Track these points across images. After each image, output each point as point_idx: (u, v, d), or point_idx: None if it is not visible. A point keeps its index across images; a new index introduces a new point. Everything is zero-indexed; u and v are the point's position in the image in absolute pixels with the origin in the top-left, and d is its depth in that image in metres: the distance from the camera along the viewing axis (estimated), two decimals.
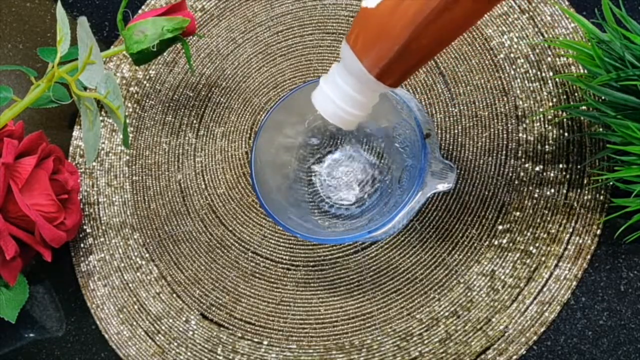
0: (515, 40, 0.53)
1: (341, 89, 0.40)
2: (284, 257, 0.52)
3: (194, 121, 0.57)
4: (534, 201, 0.48)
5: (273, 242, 0.52)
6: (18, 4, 0.65)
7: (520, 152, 0.50)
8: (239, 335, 0.50)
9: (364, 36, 0.38)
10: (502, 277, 0.47)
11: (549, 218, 0.48)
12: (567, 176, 0.49)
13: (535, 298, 0.46)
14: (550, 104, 0.50)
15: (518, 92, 0.51)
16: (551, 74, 0.51)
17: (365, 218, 0.48)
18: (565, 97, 0.50)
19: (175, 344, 0.51)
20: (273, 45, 0.57)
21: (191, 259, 0.53)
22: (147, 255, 0.54)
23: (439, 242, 0.49)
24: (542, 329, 0.46)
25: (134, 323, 0.52)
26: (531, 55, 0.52)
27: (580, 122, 0.49)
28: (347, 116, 0.41)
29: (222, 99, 0.57)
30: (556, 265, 0.47)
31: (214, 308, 0.51)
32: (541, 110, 0.50)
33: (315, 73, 0.56)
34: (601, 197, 0.48)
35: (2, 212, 0.48)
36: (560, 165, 0.49)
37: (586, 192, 0.48)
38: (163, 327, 0.52)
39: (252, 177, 0.46)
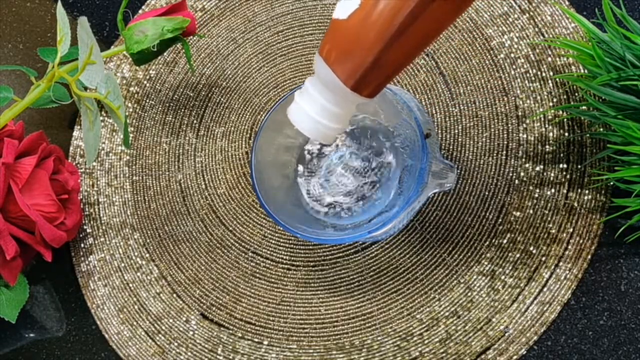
0: (516, 40, 0.53)
1: (317, 102, 0.39)
2: (284, 257, 0.52)
3: (194, 121, 0.57)
4: (534, 201, 0.48)
5: (273, 242, 0.52)
6: (18, 4, 0.65)
7: (520, 152, 0.50)
8: (239, 335, 0.50)
9: (337, 48, 0.37)
10: (503, 277, 0.47)
11: (549, 218, 0.48)
12: (568, 176, 0.49)
13: (535, 298, 0.46)
14: (551, 104, 0.50)
15: (518, 92, 0.51)
16: (551, 74, 0.51)
17: (365, 218, 0.48)
18: (565, 97, 0.50)
19: (176, 344, 0.51)
20: (273, 45, 0.58)
21: (191, 259, 0.53)
22: (147, 255, 0.54)
23: (439, 242, 0.49)
24: (543, 329, 0.46)
25: (134, 323, 0.52)
26: (531, 55, 0.52)
27: (580, 122, 0.49)
28: (326, 130, 0.40)
29: (222, 99, 0.57)
30: (556, 265, 0.47)
31: (214, 308, 0.51)
32: (541, 110, 0.50)
33: None
34: (601, 197, 0.48)
35: (3, 212, 0.48)
36: (561, 165, 0.49)
37: (586, 192, 0.48)
38: (163, 327, 0.52)
39: (253, 177, 0.46)
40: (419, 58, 0.54)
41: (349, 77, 0.37)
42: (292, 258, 0.52)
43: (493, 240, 0.48)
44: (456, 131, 0.51)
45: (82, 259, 0.55)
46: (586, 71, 0.49)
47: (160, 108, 0.58)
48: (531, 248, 0.48)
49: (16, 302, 0.52)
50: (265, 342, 0.50)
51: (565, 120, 0.50)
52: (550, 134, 0.50)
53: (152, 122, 0.58)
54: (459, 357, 0.46)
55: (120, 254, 0.54)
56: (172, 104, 0.58)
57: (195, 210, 0.54)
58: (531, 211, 0.48)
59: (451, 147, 0.51)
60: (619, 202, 0.46)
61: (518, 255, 0.48)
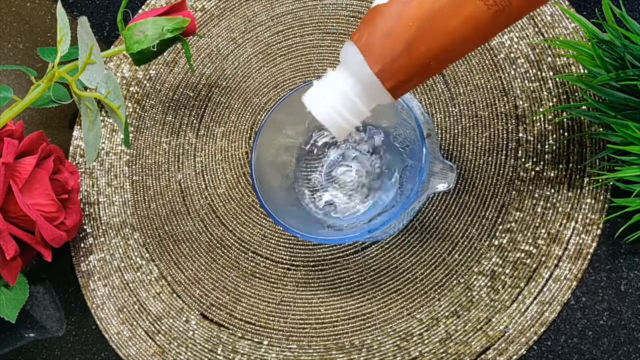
0: (516, 40, 0.53)
1: (338, 89, 0.38)
2: (284, 257, 0.52)
3: (194, 121, 0.57)
4: (534, 201, 0.48)
5: (273, 242, 0.52)
6: (18, 4, 0.65)
7: (520, 152, 0.50)
8: (239, 335, 0.50)
9: (370, 32, 0.37)
10: (502, 277, 0.47)
11: (549, 218, 0.48)
12: (567, 176, 0.49)
13: (535, 298, 0.46)
14: (550, 104, 0.50)
15: (518, 92, 0.51)
16: (551, 74, 0.51)
17: (365, 218, 0.48)
18: (565, 97, 0.50)
19: (176, 343, 0.51)
20: (273, 45, 0.58)
21: (191, 259, 0.53)
22: (147, 255, 0.54)
23: (439, 242, 0.49)
24: (543, 329, 0.46)
25: (134, 323, 0.52)
26: (531, 55, 0.52)
27: (580, 122, 0.49)
28: (341, 120, 0.39)
29: (222, 99, 0.57)
30: (556, 265, 0.47)
31: (214, 308, 0.52)
32: (541, 110, 0.50)
33: (315, 73, 0.56)
34: (601, 197, 0.48)
35: (2, 212, 0.48)
36: (560, 165, 0.49)
37: (586, 192, 0.48)
38: (163, 327, 0.52)
39: (253, 177, 0.46)
40: None
41: (376, 61, 0.37)
42: (292, 258, 0.52)
43: (493, 240, 0.48)
44: (456, 131, 0.51)
45: (82, 259, 0.55)
46: (586, 71, 0.49)
47: (160, 108, 0.58)
48: (531, 248, 0.48)
49: (16, 302, 0.52)
50: (265, 342, 0.50)
51: (565, 120, 0.50)
52: (550, 134, 0.50)
53: (152, 122, 0.58)
54: (458, 357, 0.46)
55: (120, 253, 0.54)
56: (172, 104, 0.58)
57: (195, 210, 0.54)
58: (531, 211, 0.48)
59: (451, 147, 0.51)
60: (619, 202, 0.46)
61: (518, 255, 0.48)
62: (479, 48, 0.53)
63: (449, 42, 0.36)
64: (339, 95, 0.38)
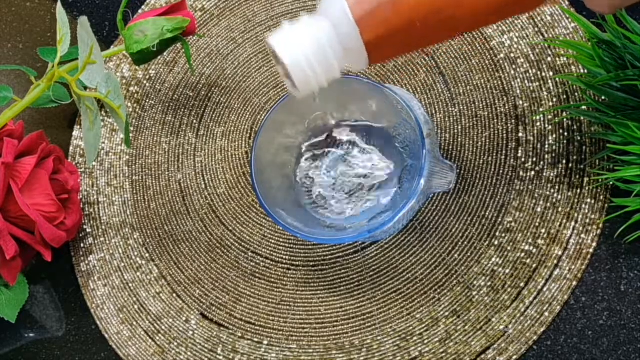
0: (516, 40, 0.53)
1: (312, 34, 0.34)
2: (284, 257, 0.52)
3: (194, 121, 0.57)
4: (534, 201, 0.48)
5: (273, 242, 0.52)
6: (18, 3, 0.65)
7: (520, 152, 0.50)
8: (239, 335, 0.50)
9: None
10: (502, 277, 0.47)
11: (549, 218, 0.48)
12: (567, 176, 0.49)
13: (535, 298, 0.46)
14: (550, 104, 0.50)
15: (518, 92, 0.51)
16: (551, 74, 0.51)
17: (365, 218, 0.48)
18: (565, 97, 0.50)
19: (175, 343, 0.51)
20: None
21: (191, 259, 0.53)
22: (147, 255, 0.54)
23: (439, 242, 0.49)
24: (542, 329, 0.46)
25: (134, 323, 0.52)
26: (531, 55, 0.52)
27: (580, 122, 0.49)
28: (309, 70, 0.34)
29: (222, 99, 0.57)
30: (556, 265, 0.47)
31: (214, 308, 0.52)
32: (541, 110, 0.50)
33: None
34: (601, 197, 0.48)
35: (2, 211, 0.48)
36: (560, 165, 0.49)
37: (586, 192, 0.48)
38: (163, 327, 0.52)
39: (252, 177, 0.46)
40: (419, 57, 0.54)
41: (359, 6, 0.33)
42: (292, 258, 0.52)
43: (493, 240, 0.48)
44: (456, 131, 0.51)
45: (82, 258, 0.55)
46: (586, 71, 0.49)
47: (160, 108, 0.58)
48: (531, 248, 0.48)
49: (16, 302, 0.52)
50: (265, 342, 0.50)
51: (565, 120, 0.50)
52: (550, 134, 0.50)
53: (152, 122, 0.58)
54: (458, 357, 0.46)
55: (120, 253, 0.54)
56: (171, 104, 0.58)
57: (195, 210, 0.54)
58: (531, 211, 0.48)
59: (451, 147, 0.51)
60: (619, 202, 0.46)
61: (518, 255, 0.48)
62: (479, 48, 0.53)
63: (439, 7, 0.33)
64: (311, 41, 0.34)
